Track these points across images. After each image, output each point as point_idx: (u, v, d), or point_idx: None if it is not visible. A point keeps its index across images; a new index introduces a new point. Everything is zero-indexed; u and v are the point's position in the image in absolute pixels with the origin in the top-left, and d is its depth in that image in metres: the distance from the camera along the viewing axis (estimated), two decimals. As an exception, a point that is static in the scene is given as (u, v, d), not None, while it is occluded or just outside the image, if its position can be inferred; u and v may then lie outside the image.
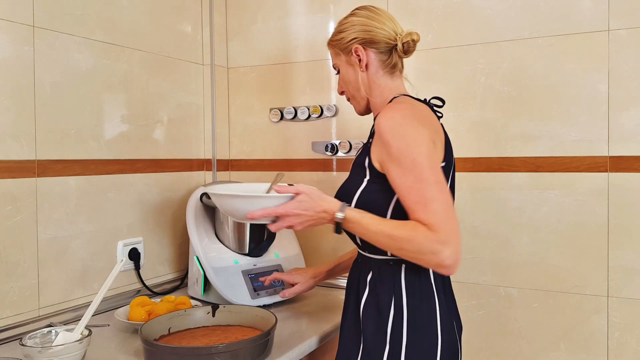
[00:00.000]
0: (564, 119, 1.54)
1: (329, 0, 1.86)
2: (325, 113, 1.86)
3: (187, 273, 1.78)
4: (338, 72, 1.33)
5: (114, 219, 1.63)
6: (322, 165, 1.89)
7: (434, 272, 1.19)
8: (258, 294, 1.56)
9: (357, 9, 1.29)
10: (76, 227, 1.51)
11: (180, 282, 1.86)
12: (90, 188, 1.55)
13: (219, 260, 1.61)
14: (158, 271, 1.80)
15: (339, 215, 1.12)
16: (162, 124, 1.80)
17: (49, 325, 1.36)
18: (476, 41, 1.64)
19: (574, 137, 1.53)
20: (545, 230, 1.57)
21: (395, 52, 1.25)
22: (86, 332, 1.15)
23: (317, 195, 1.14)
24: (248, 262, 1.63)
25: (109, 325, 1.43)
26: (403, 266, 1.17)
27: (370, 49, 1.24)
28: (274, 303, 1.59)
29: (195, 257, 1.61)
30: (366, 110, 1.33)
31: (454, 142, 1.66)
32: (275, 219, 1.16)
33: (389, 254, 1.18)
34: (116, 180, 1.63)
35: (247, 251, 1.66)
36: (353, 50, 1.25)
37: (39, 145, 1.41)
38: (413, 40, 1.23)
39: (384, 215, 1.15)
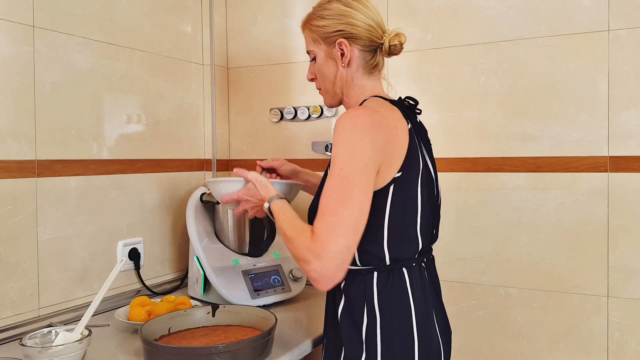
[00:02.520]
0: (564, 119, 1.54)
1: (329, 0, 1.85)
2: (325, 113, 1.86)
3: (187, 273, 1.78)
4: (313, 59, 1.25)
5: (114, 219, 1.63)
6: (322, 165, 1.89)
7: (409, 273, 1.14)
8: (258, 294, 1.56)
9: None
10: (76, 227, 1.51)
11: (180, 282, 1.86)
12: (90, 188, 1.55)
13: (219, 260, 1.61)
14: (158, 271, 1.79)
15: (266, 205, 1.19)
16: (162, 124, 1.80)
17: (49, 325, 1.35)
18: (476, 41, 1.64)
19: (574, 137, 1.53)
20: (545, 230, 1.57)
21: (380, 51, 1.19)
22: (86, 332, 1.15)
23: (261, 184, 1.21)
24: (248, 262, 1.63)
25: (109, 325, 1.43)
26: (375, 273, 1.13)
27: (355, 45, 1.17)
28: (274, 303, 1.59)
29: (195, 257, 1.61)
30: (338, 104, 1.27)
31: (454, 142, 1.68)
32: (238, 203, 1.27)
33: (359, 264, 1.14)
34: (116, 180, 1.63)
35: (247, 251, 1.66)
36: (337, 44, 1.17)
37: (39, 145, 1.41)
38: (401, 43, 1.17)
39: None
